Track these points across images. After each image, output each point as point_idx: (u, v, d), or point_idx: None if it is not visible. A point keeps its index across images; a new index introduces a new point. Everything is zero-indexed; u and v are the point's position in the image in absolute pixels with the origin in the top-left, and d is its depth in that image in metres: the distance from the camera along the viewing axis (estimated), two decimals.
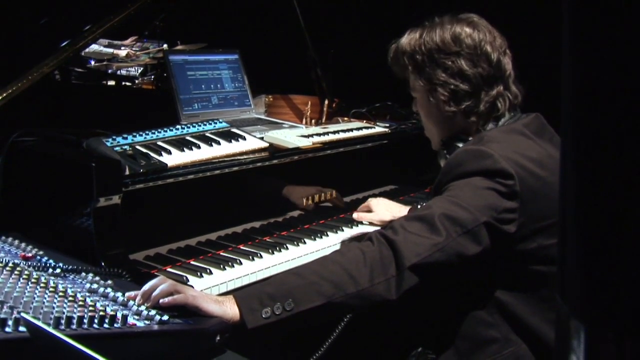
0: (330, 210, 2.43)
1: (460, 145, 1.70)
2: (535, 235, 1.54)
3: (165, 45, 4.10)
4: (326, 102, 2.92)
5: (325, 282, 1.42)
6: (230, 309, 1.38)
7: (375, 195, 2.67)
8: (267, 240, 2.15)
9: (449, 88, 1.67)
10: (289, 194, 2.33)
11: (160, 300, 1.34)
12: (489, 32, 1.68)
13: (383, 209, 2.26)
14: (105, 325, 1.16)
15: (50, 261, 1.50)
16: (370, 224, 2.27)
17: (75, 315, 1.14)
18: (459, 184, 1.55)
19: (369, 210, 2.29)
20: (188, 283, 1.75)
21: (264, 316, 1.37)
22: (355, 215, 2.28)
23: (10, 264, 1.41)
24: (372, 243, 1.49)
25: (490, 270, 1.58)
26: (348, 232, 2.24)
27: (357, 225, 2.28)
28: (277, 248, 2.05)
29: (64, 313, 1.15)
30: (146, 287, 1.36)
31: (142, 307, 1.28)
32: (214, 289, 1.77)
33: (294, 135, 2.34)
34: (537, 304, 1.58)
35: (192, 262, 1.90)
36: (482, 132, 1.69)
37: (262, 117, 2.71)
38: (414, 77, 1.74)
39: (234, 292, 1.43)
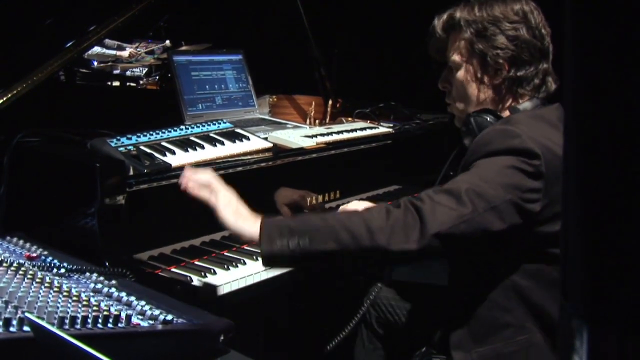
0: (332, 209, 2.43)
1: (489, 118, 1.71)
2: (558, 218, 1.54)
3: (167, 42, 4.09)
4: (330, 102, 2.93)
5: (344, 230, 1.45)
6: (248, 228, 1.49)
7: (379, 195, 2.68)
8: None
9: (510, 54, 1.69)
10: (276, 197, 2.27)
11: (184, 185, 1.58)
12: (543, 18, 1.73)
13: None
14: (109, 325, 1.16)
15: (55, 261, 1.51)
16: None
17: (79, 315, 1.14)
18: (485, 161, 1.57)
19: None
20: (192, 283, 1.76)
21: (278, 245, 1.44)
22: None
23: (14, 264, 1.42)
24: (399, 208, 1.50)
25: (513, 251, 1.60)
26: None
27: None
28: None
29: (68, 313, 1.15)
30: (190, 171, 1.59)
31: (146, 307, 1.28)
32: (218, 289, 1.78)
33: (298, 136, 2.34)
34: (555, 292, 1.55)
35: (196, 262, 1.91)
36: (510, 116, 1.71)
37: (266, 117, 2.72)
38: (469, 43, 1.74)
39: (265, 216, 1.51)
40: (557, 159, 1.55)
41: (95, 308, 1.21)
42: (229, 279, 1.82)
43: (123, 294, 1.33)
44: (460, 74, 1.78)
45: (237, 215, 1.49)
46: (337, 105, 2.98)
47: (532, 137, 1.56)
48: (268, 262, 1.51)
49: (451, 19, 1.77)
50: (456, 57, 1.77)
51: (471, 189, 1.51)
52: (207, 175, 1.60)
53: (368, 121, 2.78)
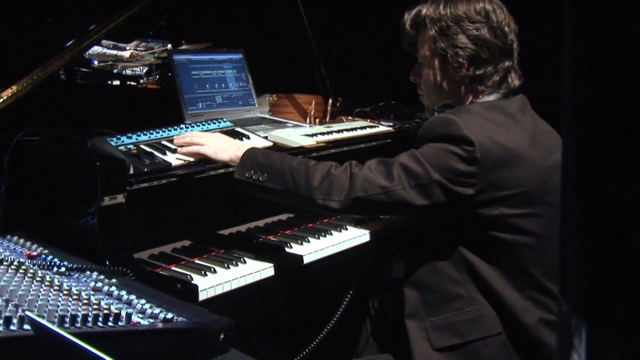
0: None
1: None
2: (497, 203, 1.67)
3: (169, 46, 4.09)
4: (330, 101, 2.92)
5: (291, 177, 1.76)
6: (234, 155, 1.86)
7: None
8: (271, 239, 2.15)
9: (470, 53, 1.78)
10: None
11: (179, 149, 1.92)
12: (507, 15, 1.81)
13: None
14: (110, 324, 1.16)
15: (55, 260, 1.51)
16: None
17: (79, 314, 1.14)
18: (427, 145, 1.72)
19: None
20: (192, 282, 1.76)
21: (246, 175, 1.81)
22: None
23: (15, 263, 1.42)
24: (341, 168, 1.76)
25: (456, 228, 1.75)
26: (352, 231, 2.24)
27: (361, 224, 2.28)
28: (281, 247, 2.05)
29: (68, 311, 1.15)
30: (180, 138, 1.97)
31: (147, 306, 1.28)
32: (218, 287, 1.78)
33: (298, 135, 2.35)
34: (502, 270, 1.72)
35: (197, 261, 1.91)
36: (462, 105, 1.81)
37: (266, 116, 2.72)
38: (432, 41, 1.83)
39: (251, 148, 1.88)
40: (499, 146, 1.67)
41: (95, 306, 1.21)
42: (230, 278, 1.82)
43: (123, 292, 1.33)
44: (426, 69, 1.89)
45: (227, 151, 1.87)
46: (337, 104, 2.98)
47: (470, 125, 1.66)
48: (236, 186, 1.83)
49: (418, 16, 1.87)
50: (423, 53, 1.88)
51: (404, 164, 1.69)
52: (195, 136, 1.95)
53: (368, 120, 2.78)
